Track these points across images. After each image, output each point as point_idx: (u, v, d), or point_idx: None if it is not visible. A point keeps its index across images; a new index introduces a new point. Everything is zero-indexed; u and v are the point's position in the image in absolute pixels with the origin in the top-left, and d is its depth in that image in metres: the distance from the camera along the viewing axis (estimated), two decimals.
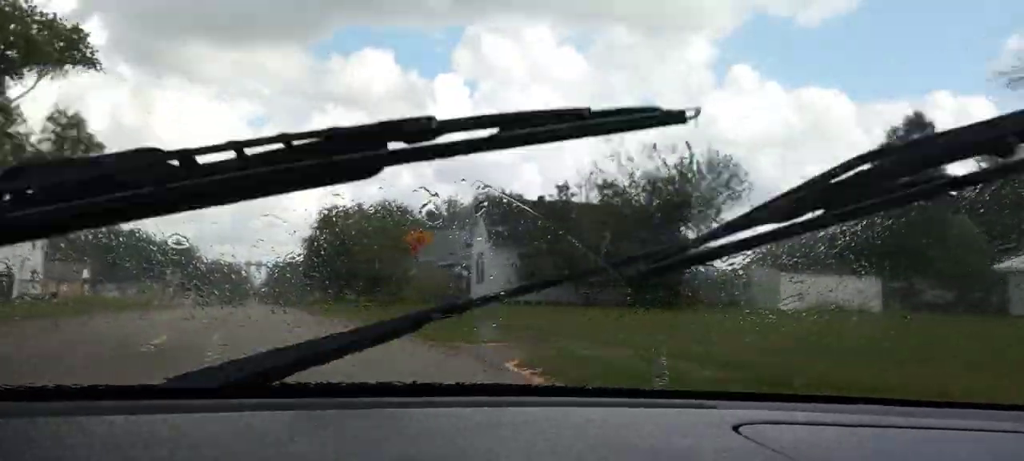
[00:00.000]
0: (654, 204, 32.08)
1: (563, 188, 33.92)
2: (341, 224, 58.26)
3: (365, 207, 65.40)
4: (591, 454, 1.18)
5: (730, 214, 32.71)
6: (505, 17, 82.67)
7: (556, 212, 32.47)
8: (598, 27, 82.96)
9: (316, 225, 59.07)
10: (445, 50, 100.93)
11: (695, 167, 32.92)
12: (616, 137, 58.43)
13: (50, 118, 31.42)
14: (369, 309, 30.12)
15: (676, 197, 32.15)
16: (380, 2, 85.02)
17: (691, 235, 33.01)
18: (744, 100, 68.45)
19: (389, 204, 64.73)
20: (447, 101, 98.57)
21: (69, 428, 1.11)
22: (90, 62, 32.17)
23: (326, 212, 59.49)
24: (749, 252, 1.37)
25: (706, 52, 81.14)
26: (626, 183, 33.62)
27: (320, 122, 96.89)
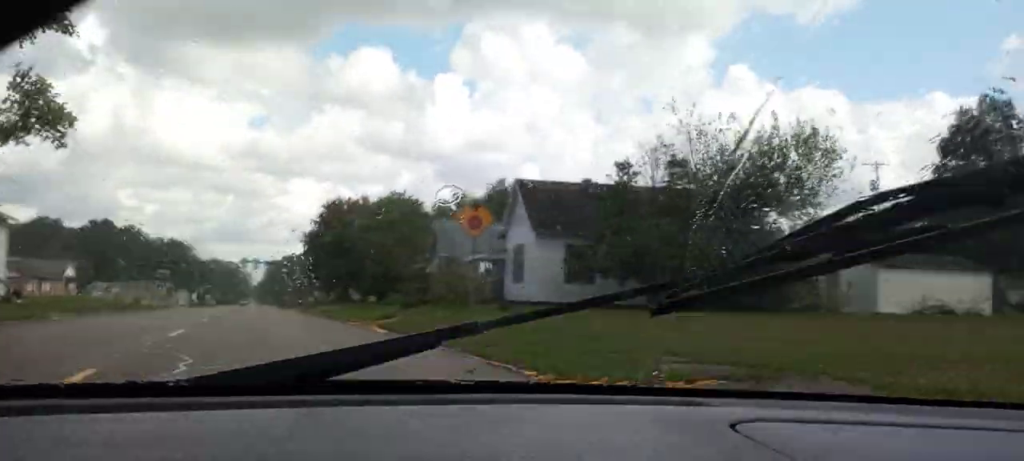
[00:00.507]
0: (731, 186, 26.62)
1: (624, 167, 27.74)
2: (346, 218, 52.72)
3: (371, 200, 59.92)
4: (590, 452, 1.16)
5: (824, 198, 27.50)
6: (503, 16, 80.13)
7: (615, 197, 26.99)
8: (597, 26, 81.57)
9: (319, 219, 52.64)
10: (444, 50, 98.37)
11: (780, 142, 27.11)
12: (685, 104, 52.10)
13: (12, 84, 26.40)
14: (391, 316, 25.31)
15: (759, 177, 26.61)
16: (379, 2, 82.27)
17: (776, 221, 27.71)
18: (742, 99, 66.15)
19: (398, 196, 59.19)
20: (446, 101, 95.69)
21: (70, 426, 1.09)
22: (63, 26, 27.00)
23: (330, 204, 52.81)
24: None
25: (705, 52, 79.66)
26: (697, 161, 27.68)
27: (318, 123, 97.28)
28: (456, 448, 1.14)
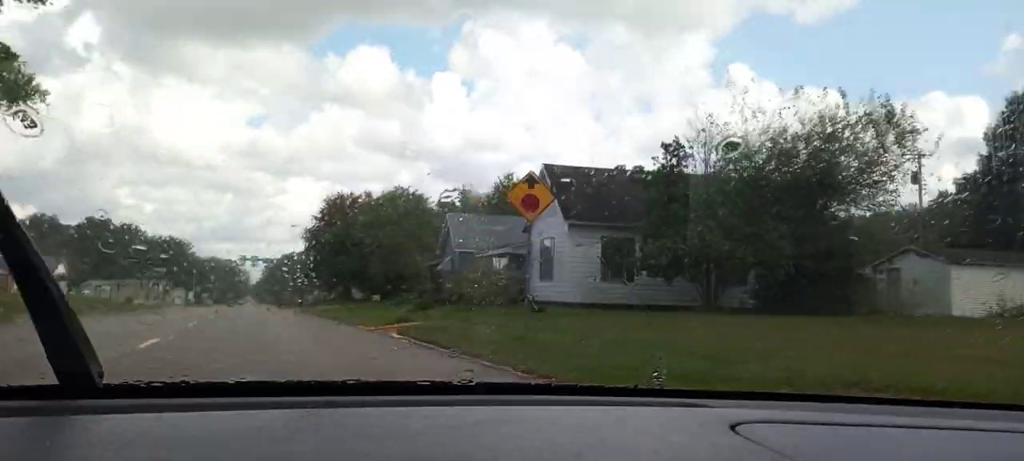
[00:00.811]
0: (788, 172, 23.29)
1: (672, 149, 24.38)
2: (349, 213, 50.08)
3: (375, 195, 57.57)
4: (590, 452, 1.16)
5: (900, 182, 24.30)
6: (502, 15, 78.57)
7: (665, 183, 23.70)
8: (596, 26, 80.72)
9: (320, 215, 49.81)
10: (442, 49, 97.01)
11: (848, 118, 23.32)
12: (743, 78, 47.56)
13: None
14: (408, 319, 22.39)
15: (823, 160, 23.38)
16: (377, 1, 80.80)
17: (843, 212, 24.49)
18: (743, 99, 64.52)
19: (402, 191, 56.76)
20: (444, 100, 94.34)
21: (68, 426, 1.09)
22: None
23: (332, 199, 49.95)
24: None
25: (704, 51, 79.62)
26: (756, 143, 23.89)
27: (317, 121, 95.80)
28: (456, 448, 1.12)
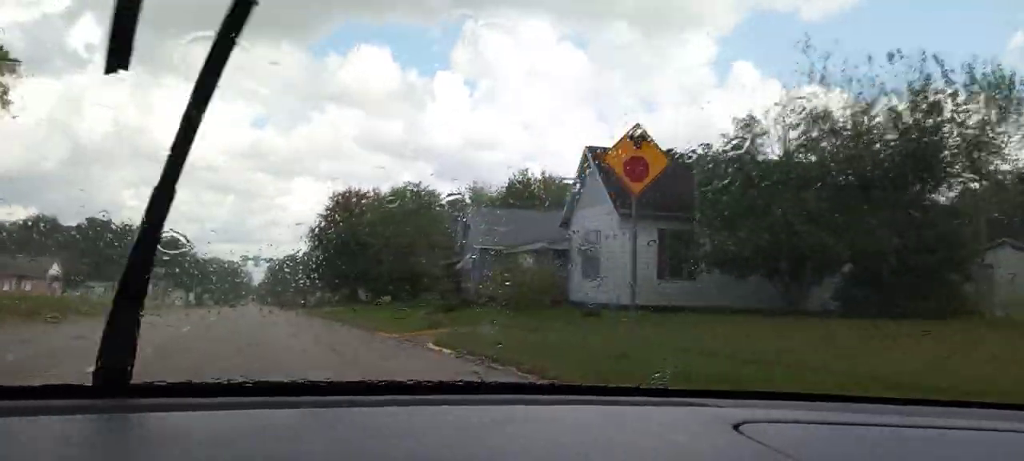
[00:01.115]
0: (884, 152, 19.64)
1: (747, 125, 20.70)
2: (356, 210, 47.26)
3: (383, 192, 55.05)
4: (594, 451, 1.14)
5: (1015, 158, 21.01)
6: (503, 14, 76.88)
7: (735, 167, 20.34)
8: (598, 24, 79.22)
9: (326, 213, 46.82)
10: (443, 48, 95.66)
11: (949, 88, 19.73)
12: (827, 40, 41.90)
13: None
14: (438, 325, 19.18)
15: (923, 137, 19.61)
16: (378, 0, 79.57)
17: (941, 198, 21.14)
18: (747, 97, 63.91)
19: (412, 186, 54.04)
20: (445, 99, 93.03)
21: (75, 426, 1.07)
22: None
23: (339, 197, 46.94)
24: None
25: (707, 49, 78.58)
26: (846, 117, 20.18)
27: (319, 122, 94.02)
28: (462, 448, 1.11)
